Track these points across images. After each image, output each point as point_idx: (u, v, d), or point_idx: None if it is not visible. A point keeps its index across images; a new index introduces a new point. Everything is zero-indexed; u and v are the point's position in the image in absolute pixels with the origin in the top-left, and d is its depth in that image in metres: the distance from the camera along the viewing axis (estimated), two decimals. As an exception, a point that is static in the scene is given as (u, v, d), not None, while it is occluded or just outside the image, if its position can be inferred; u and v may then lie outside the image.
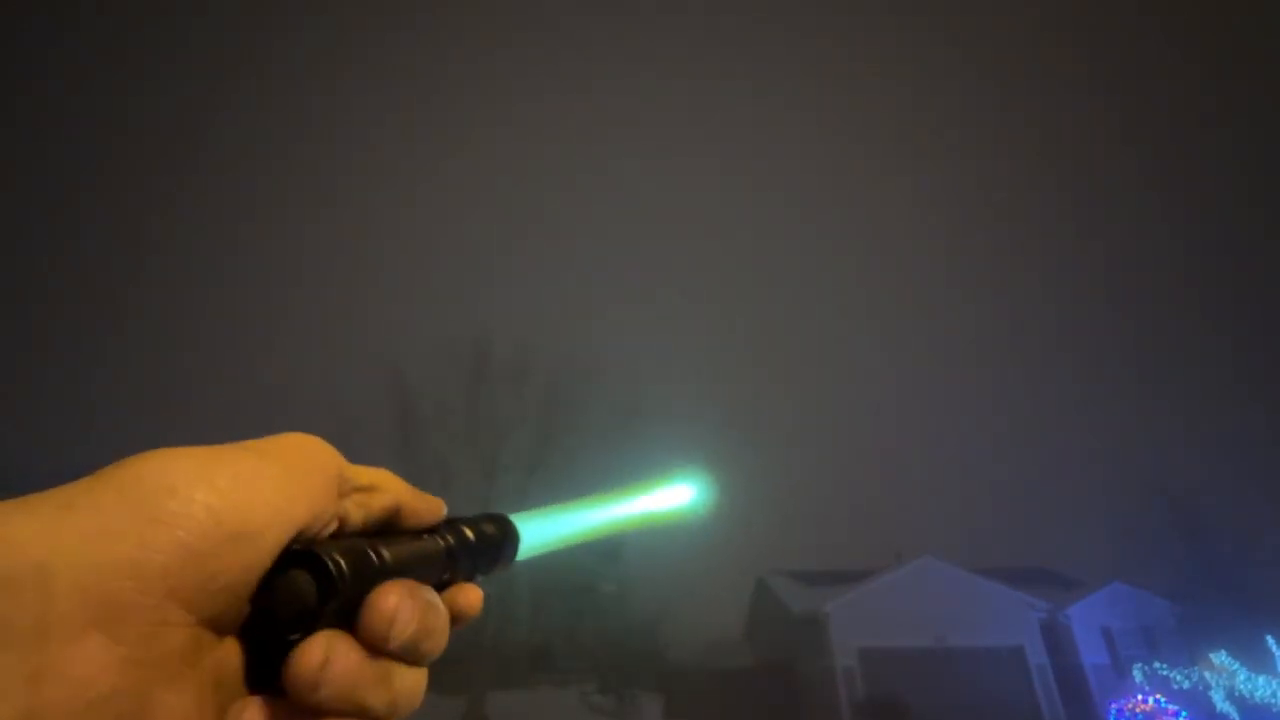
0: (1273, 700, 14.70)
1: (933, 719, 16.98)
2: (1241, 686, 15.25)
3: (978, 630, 18.69)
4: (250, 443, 0.32)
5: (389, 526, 0.37)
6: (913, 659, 18.22)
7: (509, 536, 0.42)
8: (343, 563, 0.29)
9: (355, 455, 0.37)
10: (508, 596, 16.10)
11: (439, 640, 0.32)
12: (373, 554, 0.31)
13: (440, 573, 0.36)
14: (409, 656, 0.31)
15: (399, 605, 0.30)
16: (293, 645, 0.27)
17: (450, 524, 0.40)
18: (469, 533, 0.39)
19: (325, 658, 0.27)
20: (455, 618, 0.37)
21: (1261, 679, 15.06)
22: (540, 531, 0.45)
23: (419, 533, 0.37)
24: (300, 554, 0.29)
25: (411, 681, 0.31)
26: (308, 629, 0.28)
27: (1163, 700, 16.23)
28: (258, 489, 0.29)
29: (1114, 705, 16.96)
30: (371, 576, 0.30)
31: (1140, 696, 16.56)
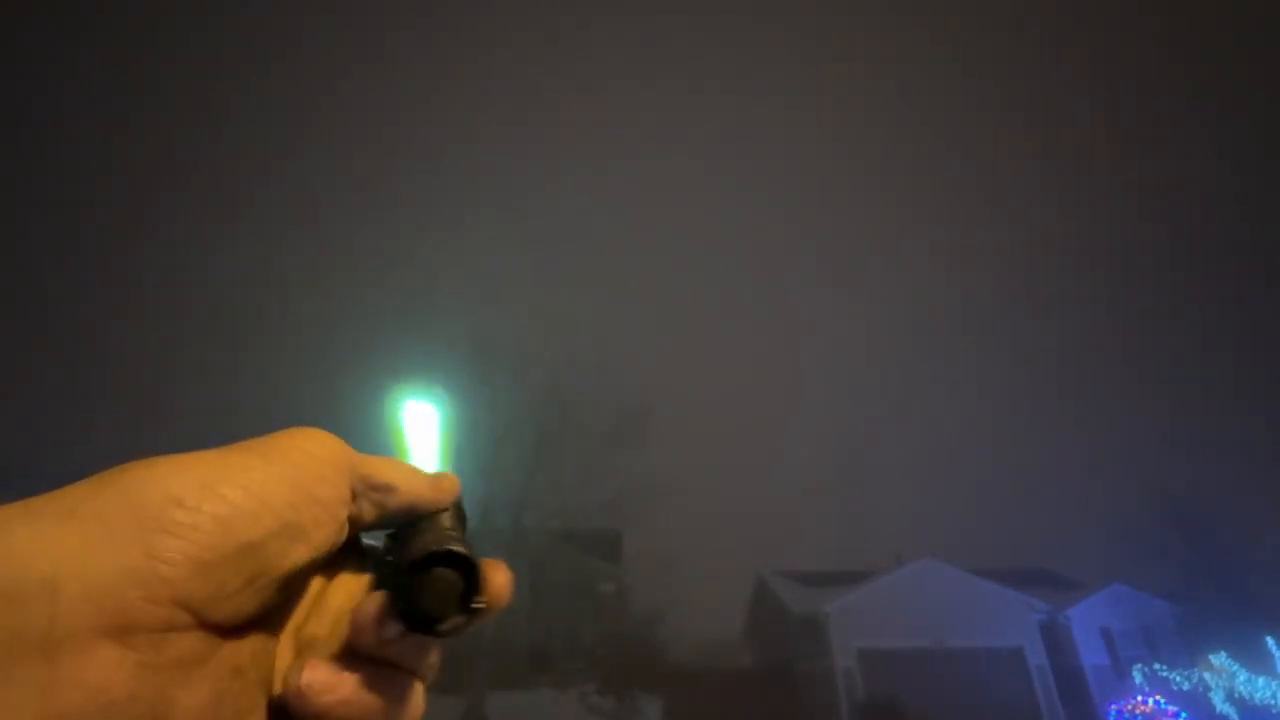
0: (1272, 701, 14.71)
1: (932, 720, 17.00)
2: (1241, 687, 15.26)
3: (977, 631, 18.69)
4: (258, 443, 0.31)
5: (403, 519, 0.37)
6: (912, 660, 18.22)
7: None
8: (478, 563, 0.33)
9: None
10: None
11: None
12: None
13: None
14: None
15: (508, 579, 0.35)
16: (442, 633, 0.31)
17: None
18: (462, 507, 0.41)
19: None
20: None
21: (1261, 680, 15.07)
22: None
23: (437, 513, 0.39)
24: (443, 555, 0.32)
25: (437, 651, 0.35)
26: (457, 618, 0.32)
27: (1162, 701, 16.24)
28: (266, 500, 0.29)
29: (1114, 706, 16.97)
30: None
31: (1140, 698, 16.57)
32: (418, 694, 0.33)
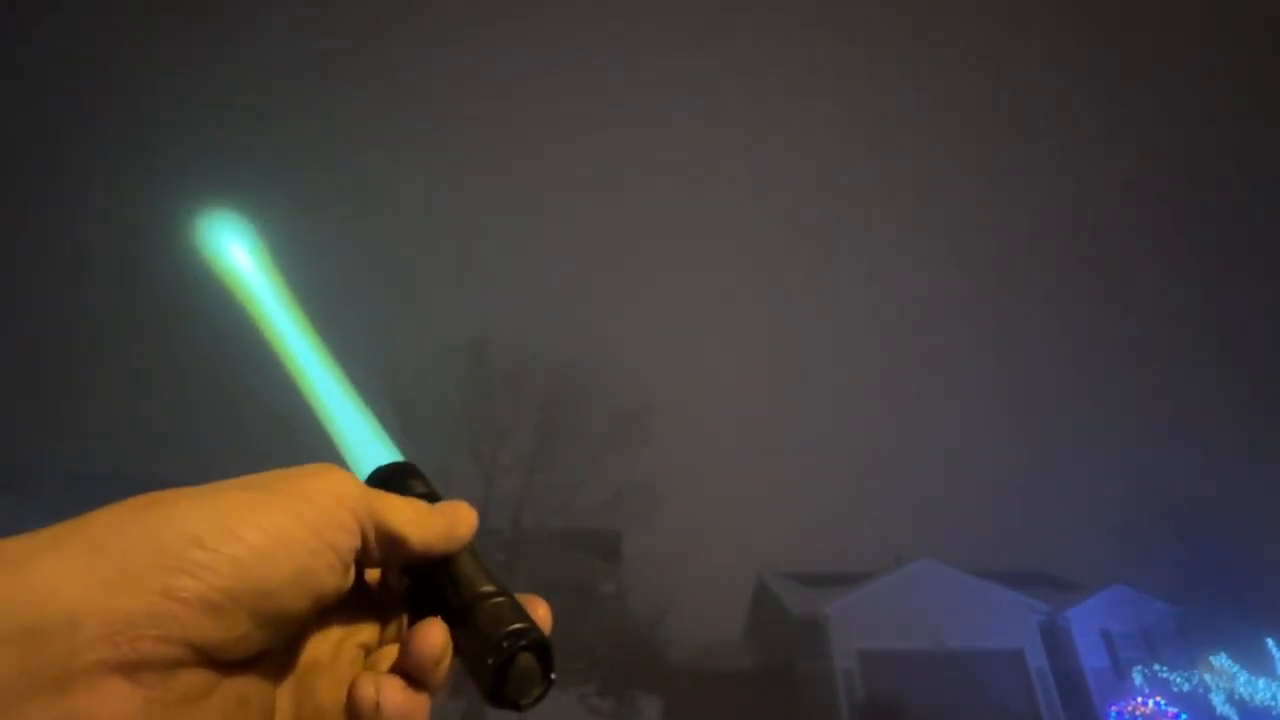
0: (1273, 703, 14.70)
1: (932, 721, 16.98)
2: (1241, 689, 15.25)
3: (977, 632, 18.68)
4: (279, 480, 0.32)
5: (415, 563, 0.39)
6: (912, 661, 18.21)
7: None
8: (551, 646, 0.35)
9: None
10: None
11: None
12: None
13: None
14: None
15: (549, 614, 0.38)
16: (523, 708, 0.33)
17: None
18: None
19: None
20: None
21: (1261, 681, 15.06)
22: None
23: (456, 557, 0.40)
24: (529, 645, 0.34)
25: None
26: (537, 691, 0.34)
27: (1163, 703, 16.22)
28: (285, 544, 0.29)
29: (1114, 708, 16.96)
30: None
31: (1140, 699, 16.55)
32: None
